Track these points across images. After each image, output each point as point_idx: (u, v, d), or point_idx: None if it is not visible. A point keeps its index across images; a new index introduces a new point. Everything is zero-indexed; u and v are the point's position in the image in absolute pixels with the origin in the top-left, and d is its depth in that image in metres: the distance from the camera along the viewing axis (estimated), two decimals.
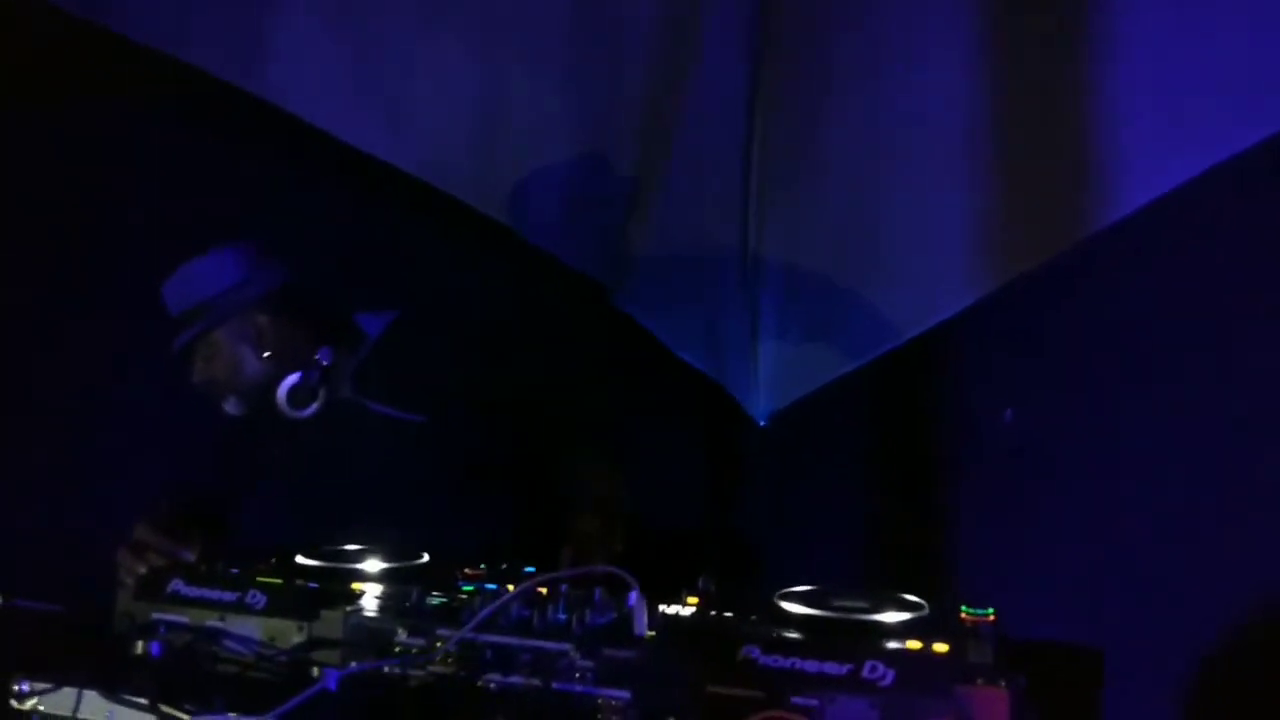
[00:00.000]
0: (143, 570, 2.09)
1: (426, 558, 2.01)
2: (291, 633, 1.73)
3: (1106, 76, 2.46)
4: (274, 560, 1.96)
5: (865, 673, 1.48)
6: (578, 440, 2.54)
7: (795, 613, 1.67)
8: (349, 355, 2.56)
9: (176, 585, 1.82)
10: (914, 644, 1.58)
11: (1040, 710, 1.55)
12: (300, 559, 1.95)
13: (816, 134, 2.87)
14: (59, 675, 1.63)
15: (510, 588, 1.71)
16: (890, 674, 1.47)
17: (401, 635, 1.69)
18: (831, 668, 1.49)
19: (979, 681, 1.45)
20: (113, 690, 1.60)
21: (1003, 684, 1.44)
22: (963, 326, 2.72)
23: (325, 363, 2.51)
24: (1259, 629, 2.44)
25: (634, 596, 1.65)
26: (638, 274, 3.05)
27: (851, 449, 3.03)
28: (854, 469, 3.00)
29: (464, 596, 1.79)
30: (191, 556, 2.21)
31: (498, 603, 1.65)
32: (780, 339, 2.96)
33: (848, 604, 1.69)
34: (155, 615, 1.80)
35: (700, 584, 1.81)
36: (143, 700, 1.61)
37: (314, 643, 1.71)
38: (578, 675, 1.58)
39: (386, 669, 1.64)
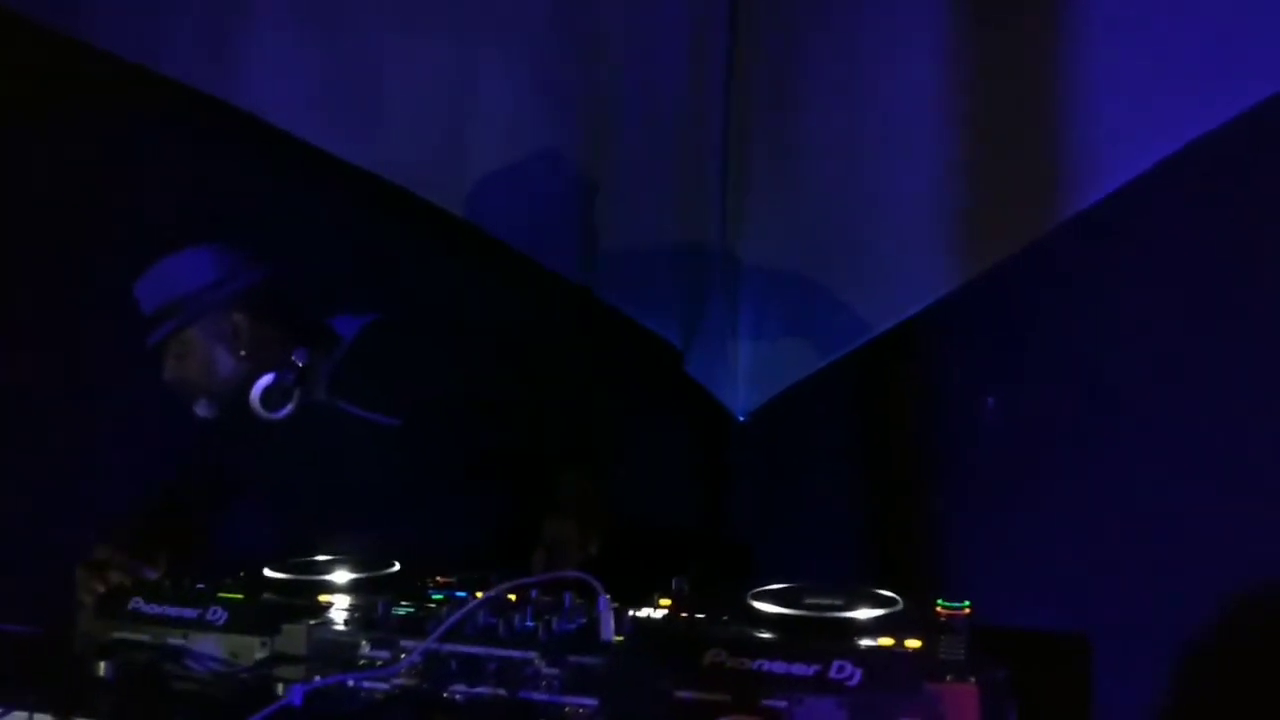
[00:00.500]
0: (102, 589, 2.06)
1: (397, 566, 1.98)
2: (254, 648, 1.70)
3: (1073, 65, 2.46)
4: (241, 574, 1.94)
5: (833, 673, 1.45)
6: (554, 441, 2.51)
7: (767, 612, 1.65)
8: (324, 357, 2.52)
9: (136, 603, 1.80)
10: (886, 641, 1.55)
11: (1025, 700, 1.53)
12: (267, 572, 1.93)
13: (792, 132, 2.86)
14: (10, 698, 1.60)
15: (479, 595, 1.68)
16: (858, 673, 1.45)
17: (365, 648, 1.67)
18: (799, 669, 1.46)
19: (949, 678, 1.42)
20: (64, 713, 1.57)
21: (973, 680, 1.41)
22: (941, 318, 2.71)
23: (301, 364, 2.47)
24: (1248, 618, 2.42)
25: (602, 602, 1.62)
26: (614, 273, 3.03)
27: (833, 444, 3.01)
28: (836, 464, 2.98)
29: (433, 605, 1.77)
30: (155, 573, 2.17)
31: (460, 613, 1.62)
32: (758, 336, 2.95)
33: (821, 601, 1.67)
34: (116, 635, 1.77)
35: (674, 585, 1.79)
36: None
37: (277, 658, 1.69)
38: (544, 684, 1.56)
39: (351, 683, 1.61)
